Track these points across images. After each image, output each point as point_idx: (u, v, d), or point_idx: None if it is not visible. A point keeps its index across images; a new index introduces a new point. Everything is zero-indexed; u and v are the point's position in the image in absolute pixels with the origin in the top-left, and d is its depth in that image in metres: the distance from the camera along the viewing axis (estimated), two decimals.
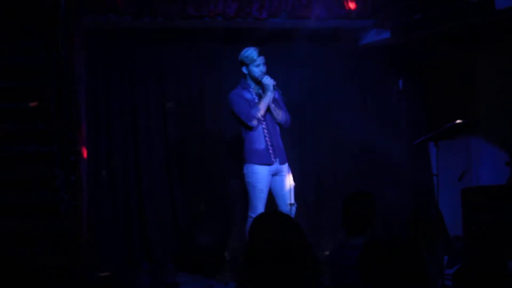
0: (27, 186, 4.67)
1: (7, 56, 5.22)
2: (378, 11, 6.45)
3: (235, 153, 6.08)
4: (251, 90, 5.36)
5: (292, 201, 5.34)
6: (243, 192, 5.68)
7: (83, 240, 5.05)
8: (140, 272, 6.36)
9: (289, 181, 5.38)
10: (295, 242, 2.20)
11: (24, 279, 3.88)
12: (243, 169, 5.38)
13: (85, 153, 5.49)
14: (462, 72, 7.05)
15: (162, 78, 6.73)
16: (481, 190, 6.44)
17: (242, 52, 5.30)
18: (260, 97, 5.31)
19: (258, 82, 5.30)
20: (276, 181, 5.38)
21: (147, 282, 6.06)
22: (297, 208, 5.40)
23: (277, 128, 5.41)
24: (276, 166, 5.35)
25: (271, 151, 5.31)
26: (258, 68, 5.27)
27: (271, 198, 5.42)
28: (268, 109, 5.30)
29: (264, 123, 5.32)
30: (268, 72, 5.29)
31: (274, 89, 5.26)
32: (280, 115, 5.36)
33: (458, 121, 5.26)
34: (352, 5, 6.29)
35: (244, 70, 5.32)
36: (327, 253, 6.32)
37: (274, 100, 5.34)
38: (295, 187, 5.43)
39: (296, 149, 6.38)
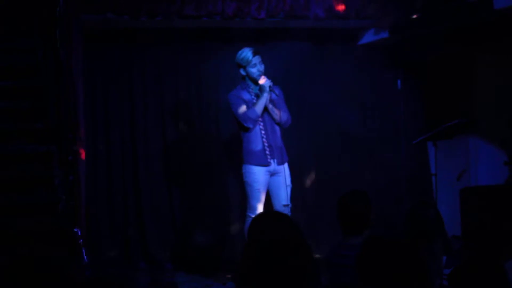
0: (25, 185, 4.66)
1: (4, 55, 5.21)
2: (377, 11, 6.44)
3: (234, 153, 6.07)
4: (250, 90, 5.34)
5: (288, 202, 5.33)
6: (242, 192, 5.68)
7: (81, 239, 5.04)
8: (138, 271, 6.36)
9: (285, 182, 5.35)
10: (294, 241, 2.20)
11: (21, 278, 3.87)
12: (242, 168, 5.38)
13: (83, 153, 5.47)
14: (461, 71, 7.04)
15: (161, 78, 6.72)
16: (479, 190, 6.45)
17: (237, 55, 5.26)
18: (258, 97, 5.30)
19: (257, 83, 5.29)
20: (273, 181, 5.36)
21: (145, 281, 6.05)
22: (293, 209, 5.39)
23: (277, 128, 5.38)
24: (273, 166, 5.32)
25: (268, 152, 5.29)
26: (255, 68, 5.24)
27: (269, 198, 5.42)
28: (266, 110, 5.29)
29: (261, 123, 5.30)
30: (266, 72, 5.27)
31: (270, 90, 5.23)
32: (278, 115, 5.32)
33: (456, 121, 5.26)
34: (340, 7, 6.28)
35: (242, 72, 5.29)
36: (325, 253, 6.31)
37: (272, 101, 5.32)
38: (293, 188, 5.42)
39: (293, 148, 6.37)
